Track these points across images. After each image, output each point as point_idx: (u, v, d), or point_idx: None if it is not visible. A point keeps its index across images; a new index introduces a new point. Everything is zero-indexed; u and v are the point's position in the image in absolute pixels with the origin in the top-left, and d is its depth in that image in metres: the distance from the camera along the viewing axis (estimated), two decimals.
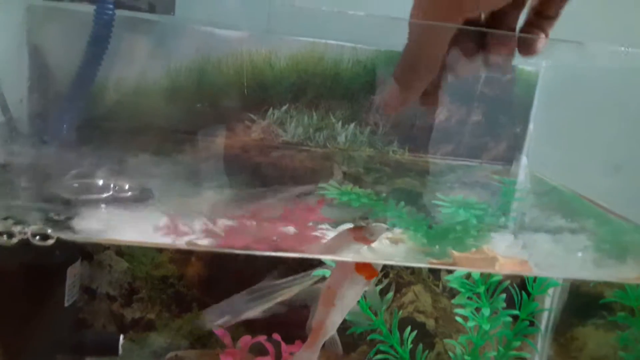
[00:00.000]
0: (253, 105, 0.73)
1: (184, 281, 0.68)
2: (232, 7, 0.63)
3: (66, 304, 0.55)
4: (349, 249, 0.47)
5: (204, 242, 0.48)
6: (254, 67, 0.71)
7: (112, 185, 0.52)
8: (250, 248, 0.50)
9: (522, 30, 0.38)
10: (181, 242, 0.46)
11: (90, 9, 0.60)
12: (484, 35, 0.36)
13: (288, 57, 0.71)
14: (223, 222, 0.51)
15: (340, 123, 0.76)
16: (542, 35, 0.37)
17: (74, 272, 0.55)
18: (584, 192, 0.71)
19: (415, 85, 0.36)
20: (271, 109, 0.73)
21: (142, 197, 0.52)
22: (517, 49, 0.37)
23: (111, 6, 0.58)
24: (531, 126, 0.80)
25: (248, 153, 0.73)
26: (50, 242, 0.43)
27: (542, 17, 0.37)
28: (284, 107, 0.74)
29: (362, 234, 0.46)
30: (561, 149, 0.74)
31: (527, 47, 0.37)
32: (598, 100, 0.70)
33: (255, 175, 0.67)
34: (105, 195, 0.51)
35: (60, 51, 0.65)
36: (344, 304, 0.50)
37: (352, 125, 0.76)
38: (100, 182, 0.53)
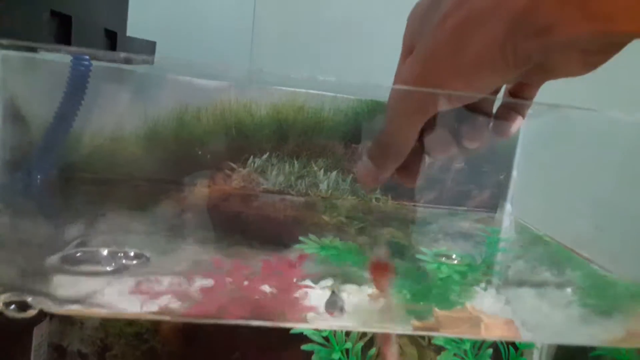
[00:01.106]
0: (234, 153, 0.72)
1: (158, 337, 0.65)
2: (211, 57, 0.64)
3: None
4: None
5: (176, 306, 0.46)
6: (234, 115, 0.70)
7: (118, 254, 0.51)
8: (226, 315, 0.48)
9: (498, 111, 0.39)
10: (152, 308, 0.45)
11: (66, 59, 0.60)
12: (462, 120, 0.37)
13: (269, 106, 0.71)
14: (200, 283, 0.49)
15: (322, 171, 0.75)
16: (518, 119, 0.39)
17: (41, 332, 0.53)
18: (568, 241, 0.70)
19: (386, 165, 0.37)
20: (252, 157, 0.72)
21: (142, 263, 0.51)
22: (492, 132, 0.38)
23: (87, 57, 0.58)
24: (515, 173, 0.80)
25: (228, 202, 0.72)
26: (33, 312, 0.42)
27: (519, 98, 0.39)
28: (265, 155, 0.73)
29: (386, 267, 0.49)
30: (545, 196, 0.73)
31: (502, 132, 0.39)
32: (582, 147, 0.70)
33: (236, 225, 0.65)
34: (110, 267, 0.49)
35: (36, 102, 0.64)
36: None
37: (334, 173, 0.76)
38: (105, 252, 0.51)
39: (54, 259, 0.48)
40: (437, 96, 0.33)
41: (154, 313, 0.43)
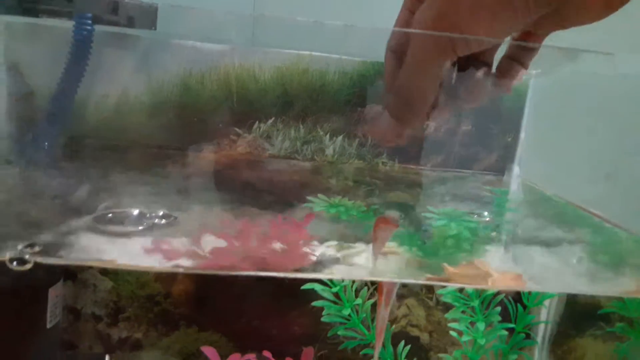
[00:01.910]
0: (238, 119, 0.72)
1: (170, 299, 0.66)
2: (215, 20, 0.63)
3: (48, 326, 0.54)
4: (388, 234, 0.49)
5: (188, 264, 0.46)
6: (238, 80, 0.70)
7: (147, 215, 0.51)
8: (237, 268, 0.48)
9: (500, 63, 0.38)
10: (167, 265, 0.45)
11: (69, 25, 0.59)
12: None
13: (273, 69, 0.70)
14: (208, 242, 0.49)
15: (328, 135, 0.75)
16: (520, 71, 0.38)
17: (56, 293, 0.54)
18: (578, 201, 0.70)
19: (412, 119, 0.36)
20: (257, 122, 0.72)
21: (169, 223, 0.51)
22: (493, 85, 0.37)
23: (89, 21, 0.57)
24: (522, 135, 0.80)
25: (234, 168, 0.72)
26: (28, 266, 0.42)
27: (523, 49, 0.37)
28: (270, 121, 0.73)
29: (390, 221, 0.49)
30: (553, 158, 0.73)
31: (503, 85, 0.38)
32: (589, 107, 0.69)
33: (242, 190, 0.66)
34: (142, 227, 0.49)
35: (40, 68, 0.64)
36: None
37: (340, 138, 0.75)
38: (135, 212, 0.52)
39: (86, 220, 0.48)
40: (467, 34, 0.31)
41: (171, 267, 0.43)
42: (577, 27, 0.34)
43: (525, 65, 0.38)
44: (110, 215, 0.50)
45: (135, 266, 0.48)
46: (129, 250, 0.46)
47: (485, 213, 0.64)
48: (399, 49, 0.36)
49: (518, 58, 0.38)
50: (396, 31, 0.37)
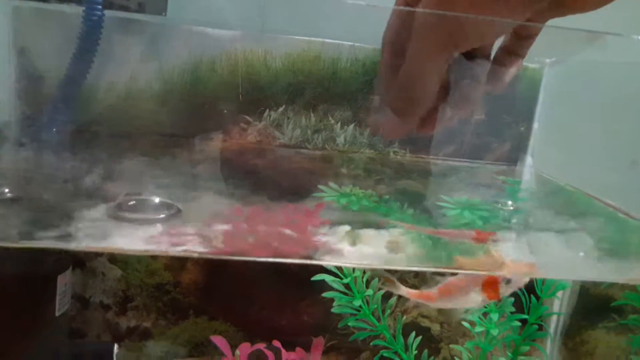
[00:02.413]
0: (249, 107, 0.71)
1: (180, 288, 0.66)
2: (225, 5, 0.62)
3: (57, 314, 0.53)
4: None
5: (199, 249, 0.46)
6: (249, 67, 0.69)
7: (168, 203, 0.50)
8: (250, 254, 0.48)
9: (497, 54, 0.37)
10: (176, 250, 0.44)
11: (78, 10, 0.59)
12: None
13: (284, 56, 0.69)
14: (220, 229, 0.49)
15: (339, 124, 0.74)
16: (512, 69, 0.37)
17: (65, 281, 0.53)
18: (591, 191, 0.69)
19: (414, 114, 0.35)
20: (267, 110, 0.71)
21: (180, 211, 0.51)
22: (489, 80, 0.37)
23: (100, 7, 0.57)
24: (536, 125, 0.78)
25: (244, 156, 0.72)
26: None
27: (520, 37, 0.37)
28: (281, 109, 0.72)
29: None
30: (567, 148, 0.72)
31: (496, 81, 0.37)
32: (603, 96, 0.68)
33: (252, 179, 0.65)
34: (164, 214, 0.49)
35: (49, 53, 0.63)
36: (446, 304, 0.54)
37: (351, 127, 0.74)
38: (157, 200, 0.51)
39: (107, 208, 0.48)
40: (468, 29, 0.31)
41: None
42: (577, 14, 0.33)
43: (522, 54, 0.37)
44: (132, 202, 0.50)
45: (147, 251, 0.47)
46: (141, 237, 0.45)
47: (509, 202, 0.63)
48: (396, 41, 0.35)
49: (514, 48, 0.37)
50: (392, 23, 0.36)
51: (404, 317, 0.66)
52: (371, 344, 0.63)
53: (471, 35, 0.32)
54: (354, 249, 0.50)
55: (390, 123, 0.37)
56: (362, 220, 0.53)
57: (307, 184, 0.63)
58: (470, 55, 0.35)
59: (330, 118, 0.74)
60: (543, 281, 0.62)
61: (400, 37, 0.34)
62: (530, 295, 0.65)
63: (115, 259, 0.64)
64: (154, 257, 0.63)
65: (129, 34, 0.67)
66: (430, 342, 0.69)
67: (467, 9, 0.30)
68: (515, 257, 0.53)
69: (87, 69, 0.62)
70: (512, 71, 0.37)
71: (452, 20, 0.31)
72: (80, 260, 0.63)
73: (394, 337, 0.61)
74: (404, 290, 0.56)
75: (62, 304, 0.53)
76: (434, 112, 0.37)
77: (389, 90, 0.36)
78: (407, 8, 0.34)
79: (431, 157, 0.77)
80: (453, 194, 0.66)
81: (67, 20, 0.62)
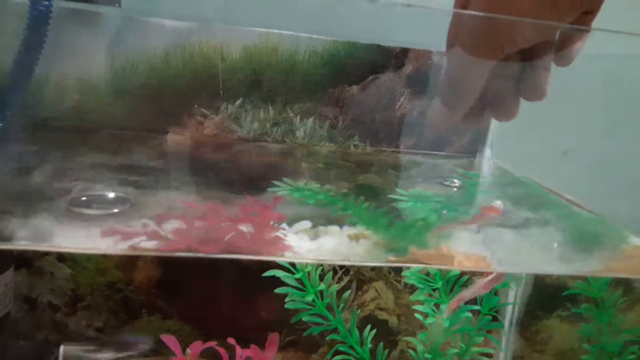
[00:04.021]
0: (205, 99, 0.70)
1: (132, 286, 0.64)
2: None
3: None
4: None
5: (148, 245, 0.45)
6: (205, 59, 0.68)
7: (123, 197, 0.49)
8: (199, 251, 0.47)
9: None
10: (123, 247, 0.43)
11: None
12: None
13: (240, 48, 0.68)
14: (172, 224, 0.48)
15: (298, 117, 0.73)
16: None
17: (5, 282, 0.51)
18: (548, 184, 0.70)
19: (460, 106, 0.38)
20: (224, 103, 0.70)
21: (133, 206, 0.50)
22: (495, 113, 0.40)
23: None
24: None
25: (202, 150, 0.70)
26: None
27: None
28: (238, 102, 0.71)
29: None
30: (525, 140, 0.73)
31: (505, 115, 0.40)
32: (561, 89, 0.69)
33: (209, 173, 0.64)
34: (118, 209, 0.48)
35: None
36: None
37: (310, 120, 0.74)
38: (112, 195, 0.50)
39: (60, 203, 0.46)
40: (516, 33, 0.33)
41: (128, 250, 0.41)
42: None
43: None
44: (84, 198, 0.48)
45: (93, 249, 0.46)
46: (90, 234, 0.44)
47: (455, 181, 0.64)
48: (455, 38, 0.37)
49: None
50: (453, 22, 0.38)
51: (359, 310, 0.66)
52: (327, 338, 0.63)
53: (518, 38, 0.34)
54: (309, 244, 0.50)
55: (438, 113, 0.39)
56: (318, 215, 0.53)
57: (267, 179, 0.62)
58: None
59: (289, 111, 0.73)
60: None
61: (459, 33, 0.37)
62: None
63: (63, 257, 0.62)
64: (104, 255, 0.62)
65: (82, 25, 0.65)
66: (388, 334, 0.70)
67: (520, 14, 0.32)
68: (467, 250, 0.54)
69: (35, 61, 0.60)
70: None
71: (500, 24, 0.33)
72: (26, 259, 0.61)
73: (349, 331, 0.61)
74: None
75: (3, 306, 0.51)
76: (479, 109, 0.39)
77: (442, 82, 0.39)
78: (462, 11, 0.36)
79: (391, 149, 0.77)
80: (411, 187, 0.66)
81: (14, 11, 0.60)
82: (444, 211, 0.56)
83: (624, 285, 0.69)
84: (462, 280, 0.58)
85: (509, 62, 0.36)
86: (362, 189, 0.63)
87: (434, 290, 0.59)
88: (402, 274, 0.66)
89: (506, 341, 0.72)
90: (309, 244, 0.49)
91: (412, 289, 0.67)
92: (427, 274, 0.60)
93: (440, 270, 0.59)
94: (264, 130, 0.73)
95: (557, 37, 0.39)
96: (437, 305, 0.59)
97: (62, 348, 0.53)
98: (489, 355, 0.64)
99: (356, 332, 0.61)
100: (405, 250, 0.53)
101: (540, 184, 0.72)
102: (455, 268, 0.52)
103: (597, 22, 0.38)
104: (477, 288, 0.60)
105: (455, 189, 0.64)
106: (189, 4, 0.60)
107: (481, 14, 0.34)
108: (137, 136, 0.69)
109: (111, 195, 0.51)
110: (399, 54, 0.73)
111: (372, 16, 0.64)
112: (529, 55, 0.37)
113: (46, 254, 0.60)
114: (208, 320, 0.65)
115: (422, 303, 0.59)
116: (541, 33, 0.34)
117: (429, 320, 0.59)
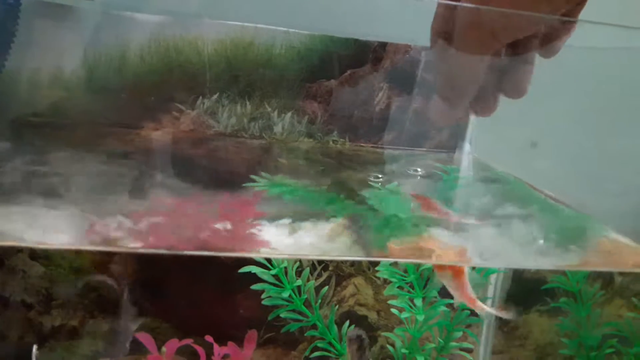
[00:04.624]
0: (180, 94, 0.69)
1: (107, 284, 0.63)
2: None
3: None
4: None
5: (122, 243, 0.44)
6: (180, 53, 0.67)
7: None
8: (177, 248, 0.46)
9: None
10: (98, 244, 0.42)
11: None
12: None
13: (216, 42, 0.67)
14: (148, 221, 0.47)
15: (276, 112, 0.72)
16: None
17: None
18: (527, 178, 0.70)
19: (460, 101, 0.38)
20: (200, 97, 0.69)
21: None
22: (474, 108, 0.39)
23: None
24: None
25: (178, 146, 0.69)
26: None
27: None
28: (215, 96, 0.70)
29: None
30: (505, 135, 0.73)
31: (483, 110, 0.39)
32: (541, 83, 0.69)
33: (185, 169, 0.63)
34: None
35: None
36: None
37: (289, 115, 0.73)
38: None
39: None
40: (510, 23, 0.32)
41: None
42: None
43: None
44: None
45: (65, 245, 0.45)
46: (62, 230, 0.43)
47: (418, 169, 0.64)
48: (444, 31, 0.37)
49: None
50: (439, 14, 0.38)
51: (337, 306, 0.66)
52: (306, 334, 0.62)
53: (515, 29, 0.33)
54: (288, 240, 0.49)
55: (438, 110, 0.39)
56: (296, 211, 0.53)
57: (245, 175, 0.61)
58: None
59: (266, 106, 0.72)
60: (473, 267, 0.63)
61: (448, 27, 0.36)
62: None
63: (36, 255, 0.61)
64: (78, 252, 0.61)
65: (53, 20, 0.64)
66: (367, 330, 0.69)
67: (511, 5, 0.32)
68: (445, 244, 0.54)
69: (4, 56, 0.59)
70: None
71: (494, 15, 0.32)
72: None
73: (328, 327, 0.60)
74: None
75: None
76: (482, 100, 0.39)
77: (437, 78, 0.38)
78: (452, 2, 0.35)
79: (370, 145, 0.77)
80: (389, 182, 0.65)
81: None
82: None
83: (602, 279, 0.69)
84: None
85: (495, 57, 0.36)
86: (341, 185, 0.63)
87: (407, 283, 0.59)
88: (376, 268, 0.66)
89: (486, 336, 0.72)
90: (287, 239, 0.49)
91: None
92: (397, 265, 0.60)
93: (412, 263, 0.59)
94: (241, 125, 0.72)
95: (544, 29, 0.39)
96: (411, 300, 0.59)
97: (35, 347, 0.52)
98: (468, 350, 0.64)
99: (335, 328, 0.61)
100: (383, 245, 0.52)
101: (519, 179, 0.72)
102: (434, 262, 0.52)
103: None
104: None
105: (419, 177, 0.64)
106: None
107: (474, 6, 0.34)
108: (111, 132, 0.67)
109: None
110: (377, 48, 0.72)
111: (349, 10, 0.63)
112: (516, 49, 0.37)
113: (18, 251, 0.59)
114: (186, 318, 0.64)
115: (395, 297, 0.59)
116: (536, 23, 0.34)
117: (405, 315, 0.59)
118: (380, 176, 0.64)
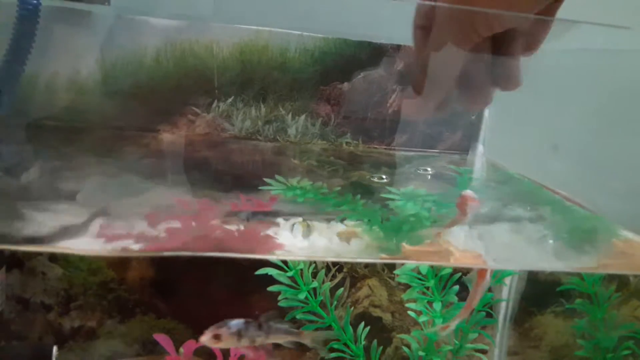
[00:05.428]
0: (196, 98, 0.69)
1: (125, 285, 0.64)
2: None
3: None
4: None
5: (139, 246, 0.44)
6: (195, 57, 0.67)
7: None
8: (191, 249, 0.46)
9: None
10: (116, 249, 0.43)
11: None
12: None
13: (231, 46, 0.68)
14: (165, 224, 0.48)
15: (290, 115, 0.73)
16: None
17: None
18: (541, 180, 0.70)
19: (435, 96, 0.37)
20: (216, 101, 0.70)
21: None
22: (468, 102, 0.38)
23: None
24: (487, 114, 0.79)
25: (193, 148, 0.70)
26: None
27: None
28: (229, 100, 0.70)
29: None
30: (518, 137, 0.72)
31: (473, 103, 0.39)
32: (554, 86, 0.69)
33: (201, 172, 0.64)
34: None
35: None
36: None
37: (302, 117, 0.73)
38: None
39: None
40: (486, 17, 0.32)
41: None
42: None
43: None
44: None
45: (84, 250, 0.45)
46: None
47: (428, 169, 0.64)
48: (426, 25, 0.36)
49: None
50: (421, 9, 0.37)
51: (353, 308, 0.66)
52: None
53: (495, 22, 0.33)
54: (304, 242, 0.50)
55: (412, 103, 0.40)
56: (312, 213, 0.53)
57: (260, 177, 0.62)
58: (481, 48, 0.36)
59: (280, 109, 0.72)
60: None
61: (429, 21, 0.36)
62: None
63: (55, 257, 0.62)
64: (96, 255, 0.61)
65: (71, 25, 0.65)
66: (382, 332, 0.69)
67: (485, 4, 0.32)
68: (463, 247, 0.54)
69: (24, 60, 0.60)
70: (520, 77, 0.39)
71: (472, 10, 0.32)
72: (18, 260, 0.61)
73: (343, 328, 0.60)
74: None
75: None
76: (472, 93, 0.38)
77: (413, 71, 0.38)
78: (430, 2, 0.35)
79: (384, 147, 0.77)
80: (403, 184, 0.66)
81: (2, 10, 0.59)
82: (432, 208, 0.56)
83: (618, 280, 0.69)
84: (455, 277, 0.58)
85: (481, 51, 0.36)
86: (356, 186, 0.63)
87: (426, 288, 0.59)
88: (394, 272, 0.66)
89: (500, 337, 0.72)
90: (302, 242, 0.49)
91: (406, 285, 0.67)
92: (419, 272, 0.60)
93: (432, 267, 0.59)
94: (255, 128, 0.73)
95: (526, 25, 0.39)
96: (430, 303, 0.59)
97: (55, 348, 0.52)
98: (483, 351, 0.64)
99: (350, 329, 0.61)
100: (398, 247, 0.52)
101: (533, 180, 0.72)
102: (450, 265, 0.52)
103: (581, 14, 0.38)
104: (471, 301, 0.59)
105: (429, 177, 0.64)
106: (179, 2, 0.59)
107: (451, 6, 0.34)
108: (127, 135, 0.68)
109: None
110: (390, 50, 0.73)
111: (363, 13, 0.64)
112: (500, 43, 0.36)
113: (38, 254, 0.59)
114: (202, 318, 0.64)
115: (414, 301, 0.59)
116: (516, 17, 0.33)
117: (423, 318, 0.59)
118: (384, 177, 0.64)
